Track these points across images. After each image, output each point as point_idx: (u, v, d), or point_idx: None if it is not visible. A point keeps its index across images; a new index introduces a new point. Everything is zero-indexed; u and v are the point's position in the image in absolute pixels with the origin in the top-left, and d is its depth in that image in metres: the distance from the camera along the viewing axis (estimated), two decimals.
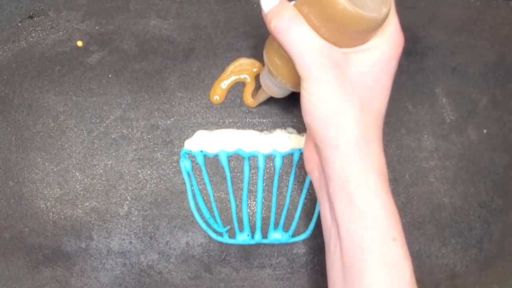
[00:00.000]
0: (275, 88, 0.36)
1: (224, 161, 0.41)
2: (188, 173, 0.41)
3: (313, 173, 0.34)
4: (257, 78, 0.42)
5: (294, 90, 0.35)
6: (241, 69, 0.42)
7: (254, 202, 0.41)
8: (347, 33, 0.28)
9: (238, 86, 0.42)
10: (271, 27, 0.29)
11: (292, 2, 0.29)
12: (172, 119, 0.41)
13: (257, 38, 0.42)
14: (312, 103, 0.28)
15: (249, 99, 0.42)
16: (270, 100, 0.42)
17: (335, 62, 0.28)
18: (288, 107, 0.42)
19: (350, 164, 0.28)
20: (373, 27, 0.28)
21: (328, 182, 0.30)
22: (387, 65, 0.29)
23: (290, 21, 0.28)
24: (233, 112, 0.42)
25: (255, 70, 0.42)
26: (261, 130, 0.42)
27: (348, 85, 0.28)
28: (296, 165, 0.41)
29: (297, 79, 0.31)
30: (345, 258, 0.29)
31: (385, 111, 0.30)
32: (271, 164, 0.41)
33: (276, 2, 0.29)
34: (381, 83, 0.29)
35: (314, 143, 0.31)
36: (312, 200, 0.41)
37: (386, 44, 0.29)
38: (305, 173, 0.41)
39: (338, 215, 0.30)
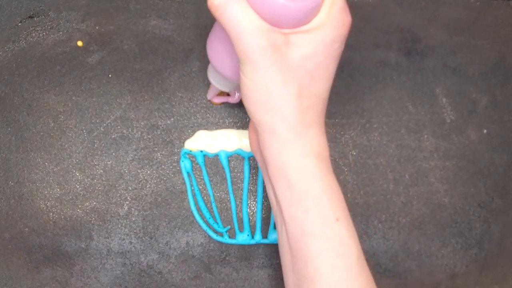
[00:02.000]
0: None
1: (224, 161, 0.41)
2: (188, 173, 0.41)
3: (257, 154, 0.34)
4: None
5: (236, 81, 0.34)
6: None
7: (254, 202, 0.41)
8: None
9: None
10: (208, 4, 0.28)
11: None
12: (172, 119, 0.41)
13: None
14: (249, 87, 0.28)
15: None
16: None
17: (274, 45, 0.27)
18: None
19: (287, 149, 0.28)
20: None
21: (267, 165, 0.30)
22: (330, 47, 0.28)
23: None
24: (233, 112, 0.42)
25: None
26: None
27: (286, 70, 0.27)
28: None
29: (236, 69, 0.30)
30: (291, 241, 0.29)
31: (327, 94, 0.29)
32: None
33: None
34: (322, 66, 0.28)
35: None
36: None
37: (329, 25, 0.27)
38: None
39: (280, 199, 0.29)
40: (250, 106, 0.29)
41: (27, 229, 0.40)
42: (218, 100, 0.41)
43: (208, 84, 0.42)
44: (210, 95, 0.41)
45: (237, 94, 0.39)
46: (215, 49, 0.33)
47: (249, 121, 0.42)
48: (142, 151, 0.41)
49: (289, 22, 0.27)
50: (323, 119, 0.30)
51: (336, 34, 0.28)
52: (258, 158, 0.34)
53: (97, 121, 0.41)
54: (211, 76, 0.37)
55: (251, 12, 0.27)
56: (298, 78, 0.27)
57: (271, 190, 0.32)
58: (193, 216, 0.40)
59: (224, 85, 0.37)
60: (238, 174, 0.41)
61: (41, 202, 0.40)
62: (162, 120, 0.41)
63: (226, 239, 0.40)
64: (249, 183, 0.41)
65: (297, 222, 0.29)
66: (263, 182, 0.41)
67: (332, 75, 0.29)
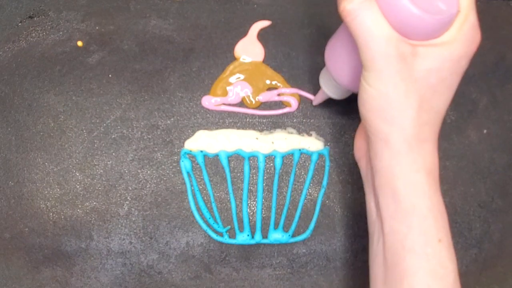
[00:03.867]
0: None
1: (224, 161, 0.41)
2: (188, 173, 0.41)
3: (361, 161, 0.34)
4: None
5: (353, 91, 0.34)
6: (241, 69, 0.42)
7: (254, 202, 0.41)
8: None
9: None
10: (339, 9, 0.27)
11: None
12: (172, 119, 0.41)
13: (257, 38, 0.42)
14: (370, 94, 0.27)
15: (248, 100, 0.42)
16: (270, 101, 0.42)
17: (401, 54, 0.26)
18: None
19: (399, 161, 0.28)
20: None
21: (374, 174, 0.29)
22: (456, 63, 0.27)
23: (361, 5, 0.26)
24: (233, 112, 0.42)
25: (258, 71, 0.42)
26: (261, 130, 0.42)
27: (410, 81, 0.27)
28: (296, 165, 0.41)
29: (356, 80, 0.30)
30: (387, 254, 0.29)
31: (445, 111, 0.29)
32: (271, 164, 0.41)
33: None
34: (446, 82, 0.28)
35: (365, 132, 0.30)
36: (312, 200, 0.41)
37: (459, 42, 0.27)
38: (305, 173, 0.41)
39: (382, 210, 0.29)
40: (368, 113, 0.28)
41: (27, 229, 0.40)
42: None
43: (208, 84, 0.42)
44: (317, 101, 0.40)
45: (236, 94, 0.39)
46: (335, 54, 0.32)
47: (248, 121, 0.42)
48: (142, 151, 0.41)
49: (420, 34, 0.27)
50: (438, 136, 0.29)
51: (465, 51, 0.28)
52: (362, 165, 0.33)
53: (97, 121, 0.41)
54: (323, 82, 0.37)
55: (382, 20, 0.26)
56: (421, 91, 0.27)
57: (372, 199, 0.31)
58: (193, 216, 0.40)
59: (335, 93, 0.36)
60: (238, 174, 0.41)
61: (41, 202, 0.40)
62: (162, 120, 0.41)
63: (226, 239, 0.40)
64: (249, 183, 0.41)
65: (398, 236, 0.28)
66: (263, 182, 0.41)
67: (453, 92, 0.29)
